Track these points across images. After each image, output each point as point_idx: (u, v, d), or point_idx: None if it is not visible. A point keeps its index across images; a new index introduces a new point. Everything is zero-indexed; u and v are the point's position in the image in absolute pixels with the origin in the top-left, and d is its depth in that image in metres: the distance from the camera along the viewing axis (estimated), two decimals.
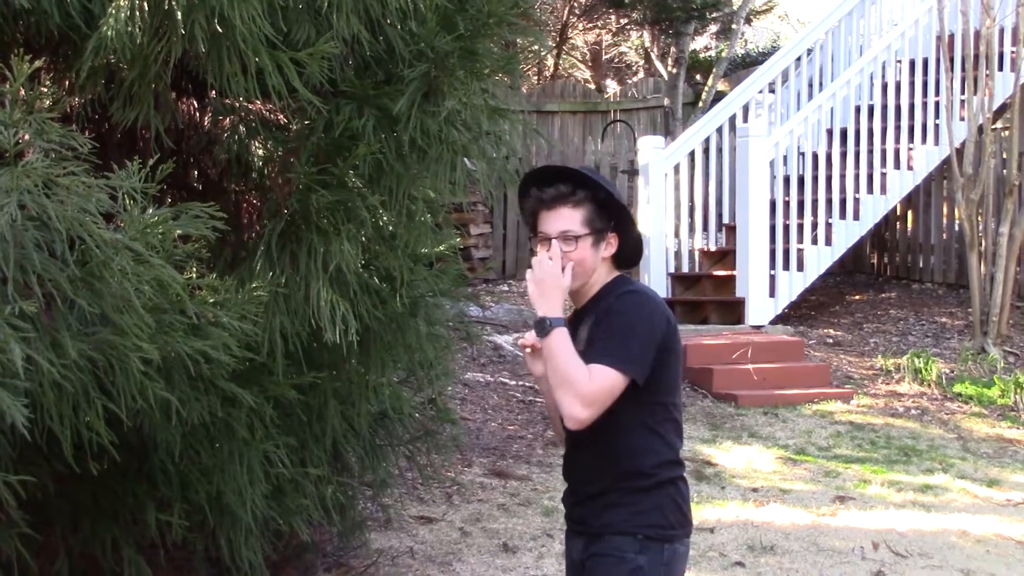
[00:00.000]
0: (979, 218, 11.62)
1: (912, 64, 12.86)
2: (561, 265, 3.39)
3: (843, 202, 12.22)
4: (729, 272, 11.84)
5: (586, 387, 3.26)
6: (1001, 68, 12.52)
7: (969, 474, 8.13)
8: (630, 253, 3.55)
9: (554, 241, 3.41)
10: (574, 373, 3.27)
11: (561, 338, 3.31)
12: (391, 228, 4.66)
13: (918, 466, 8.24)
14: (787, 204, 11.95)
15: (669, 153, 12.09)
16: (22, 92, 3.38)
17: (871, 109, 12.67)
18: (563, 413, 3.31)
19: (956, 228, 12.86)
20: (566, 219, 3.41)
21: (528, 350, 3.54)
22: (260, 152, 4.59)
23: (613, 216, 3.46)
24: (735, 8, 17.63)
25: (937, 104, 12.56)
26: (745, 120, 12.22)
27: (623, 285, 3.48)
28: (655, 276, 11.95)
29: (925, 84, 12.70)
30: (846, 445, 8.68)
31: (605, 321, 3.35)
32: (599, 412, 3.28)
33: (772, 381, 9.87)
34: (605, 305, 3.41)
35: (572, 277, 3.41)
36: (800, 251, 11.85)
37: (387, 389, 5.49)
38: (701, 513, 6.80)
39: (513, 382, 9.57)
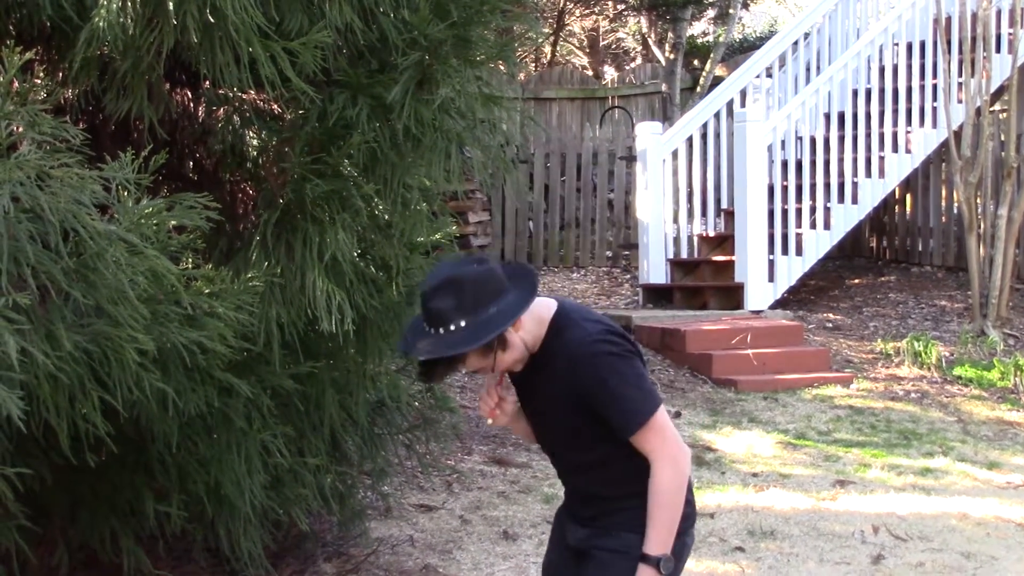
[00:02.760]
0: (978, 200, 11.61)
1: (909, 47, 12.84)
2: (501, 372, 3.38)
3: (841, 186, 12.21)
4: (728, 257, 11.83)
5: (665, 468, 3.29)
6: (999, 50, 12.49)
7: (969, 457, 8.13)
8: (526, 295, 3.35)
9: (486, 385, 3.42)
10: (665, 494, 3.30)
11: (662, 538, 3.30)
12: (386, 217, 4.66)
13: (918, 449, 8.24)
14: (785, 189, 11.94)
15: (667, 139, 12.08)
16: (15, 84, 3.37)
17: (869, 93, 12.65)
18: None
19: (955, 211, 12.85)
20: (470, 365, 3.30)
21: (490, 421, 3.52)
22: (254, 142, 4.59)
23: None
24: None
25: (935, 87, 12.55)
26: (743, 105, 12.20)
27: (568, 332, 3.35)
28: (654, 262, 11.96)
29: (923, 67, 12.69)
30: (846, 429, 8.68)
31: (596, 388, 3.28)
32: (680, 440, 3.33)
33: (772, 366, 9.87)
34: (560, 358, 3.33)
35: (516, 364, 3.36)
36: (799, 235, 11.85)
37: (385, 378, 5.49)
38: (701, 499, 6.80)
39: None
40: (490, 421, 3.52)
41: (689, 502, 3.46)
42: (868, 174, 12.35)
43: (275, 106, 4.58)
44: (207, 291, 3.82)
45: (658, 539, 3.30)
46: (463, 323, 3.18)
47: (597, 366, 3.29)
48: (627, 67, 20.06)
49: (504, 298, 3.24)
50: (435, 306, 3.21)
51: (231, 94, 4.45)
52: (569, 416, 3.37)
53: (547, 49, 20.43)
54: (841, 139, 12.33)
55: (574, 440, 3.43)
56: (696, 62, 18.20)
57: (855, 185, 12.26)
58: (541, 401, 3.47)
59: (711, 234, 12.57)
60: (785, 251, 11.72)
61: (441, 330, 3.19)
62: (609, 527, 3.44)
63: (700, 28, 22.08)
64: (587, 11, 20.76)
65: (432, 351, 3.22)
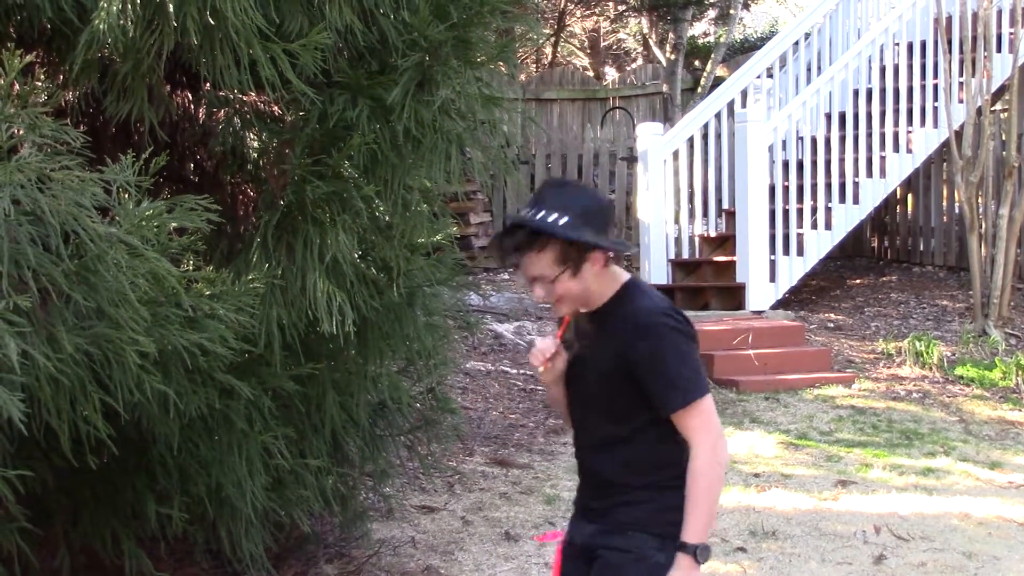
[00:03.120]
0: (979, 200, 11.60)
1: (910, 47, 12.83)
2: (553, 299, 3.40)
3: (842, 186, 12.21)
4: (729, 258, 11.83)
5: (705, 453, 3.31)
6: (999, 50, 12.48)
7: (971, 457, 8.12)
8: (620, 254, 3.51)
9: (536, 286, 3.40)
10: (705, 479, 3.32)
11: (700, 525, 3.33)
12: (387, 218, 4.66)
13: (920, 449, 8.24)
14: (786, 189, 11.93)
15: (668, 139, 12.07)
16: (16, 87, 3.38)
17: (870, 92, 12.65)
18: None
19: (956, 210, 12.84)
20: (536, 265, 3.36)
21: (542, 369, 3.54)
22: (255, 144, 4.60)
23: (585, 244, 3.35)
24: None
25: (936, 87, 12.54)
26: (744, 105, 12.19)
27: (640, 299, 3.42)
28: (655, 262, 11.95)
29: (923, 67, 12.68)
30: (848, 429, 8.68)
31: (650, 357, 3.32)
32: (721, 429, 3.37)
33: (773, 366, 9.86)
34: (626, 323, 3.38)
35: (567, 304, 3.41)
36: (800, 236, 11.84)
37: (386, 379, 5.49)
38: None
39: (514, 371, 9.57)
40: (541, 370, 3.52)
41: None
42: (869, 174, 12.35)
43: (275, 108, 4.58)
44: (208, 293, 3.83)
45: (697, 526, 3.32)
46: (563, 219, 3.31)
47: (660, 337, 3.33)
48: (628, 68, 20.06)
49: (603, 234, 3.36)
50: (549, 192, 3.38)
51: (231, 96, 4.46)
52: (613, 381, 3.38)
53: (548, 50, 20.44)
54: (842, 139, 12.33)
55: (609, 408, 3.43)
56: (697, 63, 18.21)
57: (856, 185, 12.26)
58: (590, 362, 3.47)
59: (712, 234, 12.56)
60: (786, 251, 11.71)
61: (543, 212, 3.32)
62: (619, 524, 3.42)
63: (701, 29, 22.09)
64: (588, 12, 20.77)
65: (522, 219, 3.37)
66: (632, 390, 3.36)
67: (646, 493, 3.38)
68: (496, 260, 3.44)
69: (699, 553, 3.31)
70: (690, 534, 3.31)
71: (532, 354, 3.51)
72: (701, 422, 3.32)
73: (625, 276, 3.48)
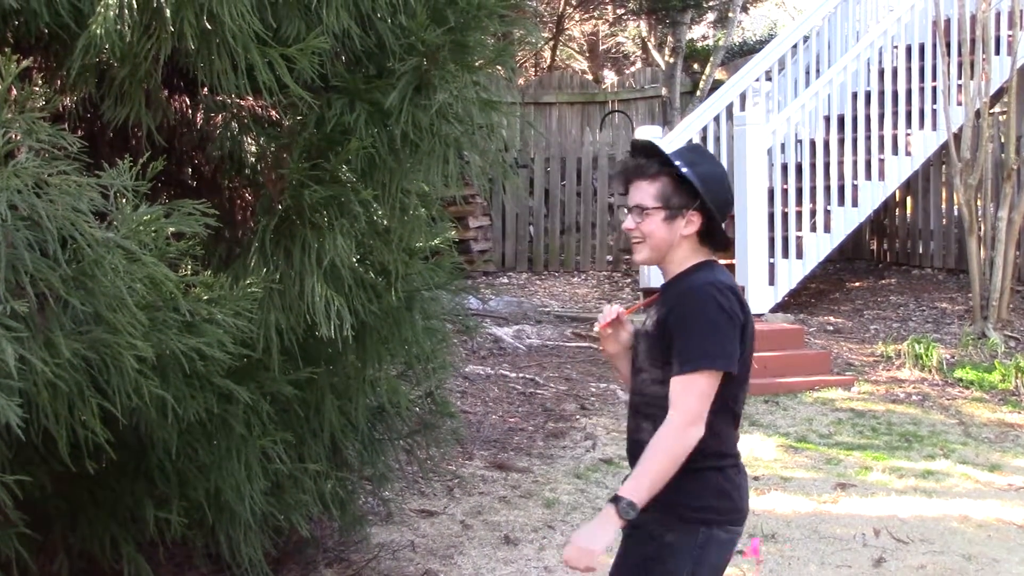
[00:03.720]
0: (978, 202, 11.61)
1: (909, 50, 12.85)
2: (636, 236, 3.48)
3: (841, 189, 12.22)
4: (728, 260, 11.82)
5: (675, 427, 3.29)
6: (998, 52, 12.49)
7: (970, 459, 8.13)
8: (720, 237, 3.53)
9: (630, 215, 3.46)
10: (665, 450, 3.29)
11: (636, 485, 3.28)
12: (385, 222, 4.66)
13: (919, 452, 8.24)
14: (785, 192, 11.95)
15: (667, 142, 12.06)
16: (13, 91, 3.38)
17: (868, 95, 12.66)
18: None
19: (955, 213, 12.85)
20: (642, 192, 3.45)
21: (608, 331, 3.60)
22: (253, 148, 4.59)
23: (697, 195, 3.43)
24: None
25: (934, 89, 12.55)
26: (743, 108, 12.20)
27: (703, 272, 3.47)
28: (655, 266, 11.93)
29: (922, 69, 12.70)
30: (847, 432, 8.68)
31: (679, 318, 3.36)
32: (703, 413, 3.32)
33: (773, 369, 9.86)
34: (677, 292, 3.43)
35: (645, 250, 3.48)
36: (799, 239, 11.85)
37: (385, 383, 5.49)
38: None
39: (513, 374, 9.57)
40: (595, 330, 3.60)
41: (729, 496, 3.46)
42: (868, 177, 12.36)
43: (273, 112, 4.58)
44: (206, 297, 3.82)
45: (637, 485, 3.27)
46: (686, 168, 3.43)
47: (697, 302, 3.37)
48: (627, 71, 20.06)
49: (714, 202, 3.45)
50: (691, 151, 3.52)
51: (229, 100, 4.46)
52: (656, 349, 3.42)
53: (546, 53, 20.44)
54: (841, 142, 12.34)
55: (654, 375, 3.45)
56: (696, 66, 18.20)
57: (855, 188, 12.27)
58: (643, 332, 3.53)
59: None
60: (785, 254, 11.72)
61: (674, 156, 3.45)
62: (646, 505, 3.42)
63: (700, 32, 22.09)
64: (586, 15, 20.77)
65: (653, 143, 3.49)
66: (669, 360, 3.38)
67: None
68: (617, 180, 3.49)
69: (624, 508, 3.24)
70: (627, 488, 3.27)
71: (597, 320, 3.60)
72: (689, 394, 3.30)
73: (703, 258, 3.52)
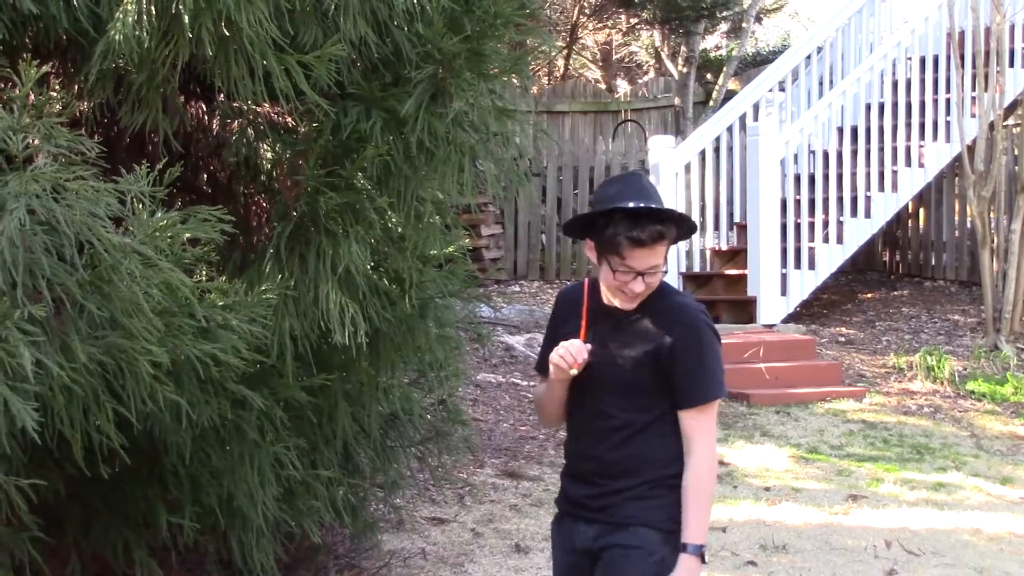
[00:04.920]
0: (991, 215, 11.59)
1: (923, 61, 12.84)
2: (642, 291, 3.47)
3: (854, 200, 12.20)
4: (740, 271, 11.83)
5: (704, 455, 3.45)
6: (1012, 64, 12.48)
7: (982, 472, 8.11)
8: None
9: (640, 278, 3.45)
10: (708, 480, 3.46)
11: (702, 527, 3.43)
12: (400, 230, 4.66)
13: (931, 464, 8.23)
14: (798, 202, 11.94)
15: (680, 152, 12.08)
16: (31, 97, 3.39)
17: (882, 107, 12.65)
18: None
19: (968, 225, 12.83)
20: (658, 255, 3.45)
21: (575, 372, 3.54)
22: (268, 155, 4.60)
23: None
24: (745, 7, 17.61)
25: (948, 101, 12.54)
26: (756, 119, 12.20)
27: (674, 295, 3.60)
28: (666, 276, 11.93)
29: (936, 81, 12.68)
30: (859, 443, 8.67)
31: (689, 351, 3.44)
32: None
33: (784, 380, 9.86)
34: (669, 315, 3.48)
35: (639, 297, 3.47)
36: (811, 249, 11.83)
37: (397, 390, 5.49)
38: (713, 512, 6.78)
39: (524, 383, 9.57)
40: (573, 372, 3.51)
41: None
42: (881, 188, 12.35)
43: (289, 119, 4.59)
44: (221, 304, 3.83)
45: (700, 526, 3.40)
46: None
47: (703, 335, 3.47)
48: (640, 80, 20.07)
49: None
50: (651, 187, 3.50)
51: (245, 107, 4.47)
52: (643, 371, 3.46)
53: (560, 62, 20.44)
54: (854, 153, 12.33)
55: (634, 397, 3.48)
56: (709, 76, 18.20)
57: (868, 199, 12.25)
58: (615, 352, 3.50)
59: (724, 248, 12.56)
60: (798, 265, 11.71)
61: (667, 208, 3.47)
62: (622, 520, 3.46)
63: (713, 42, 22.09)
64: (600, 25, 20.78)
65: (676, 213, 3.52)
66: (657, 382, 3.44)
67: (657, 489, 3.44)
68: (609, 240, 3.45)
69: (703, 553, 3.40)
70: (693, 535, 3.39)
71: (562, 358, 3.47)
72: (709, 424, 3.46)
73: None
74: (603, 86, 20.37)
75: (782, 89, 12.81)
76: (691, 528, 3.38)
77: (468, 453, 7.38)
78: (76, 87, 4.20)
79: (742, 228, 12.19)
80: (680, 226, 3.49)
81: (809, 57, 13.20)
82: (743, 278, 11.65)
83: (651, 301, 3.49)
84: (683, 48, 17.27)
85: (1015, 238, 11.34)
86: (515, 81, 5.31)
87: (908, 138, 12.51)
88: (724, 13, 17.78)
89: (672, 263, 11.90)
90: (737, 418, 9.14)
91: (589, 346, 3.51)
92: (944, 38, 12.59)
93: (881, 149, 12.42)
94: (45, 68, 3.45)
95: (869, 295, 13.39)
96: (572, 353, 3.47)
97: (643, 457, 3.46)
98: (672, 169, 11.84)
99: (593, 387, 3.54)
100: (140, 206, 3.50)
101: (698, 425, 3.43)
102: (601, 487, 3.52)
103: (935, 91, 12.65)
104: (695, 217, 12.29)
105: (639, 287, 3.43)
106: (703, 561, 3.39)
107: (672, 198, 11.84)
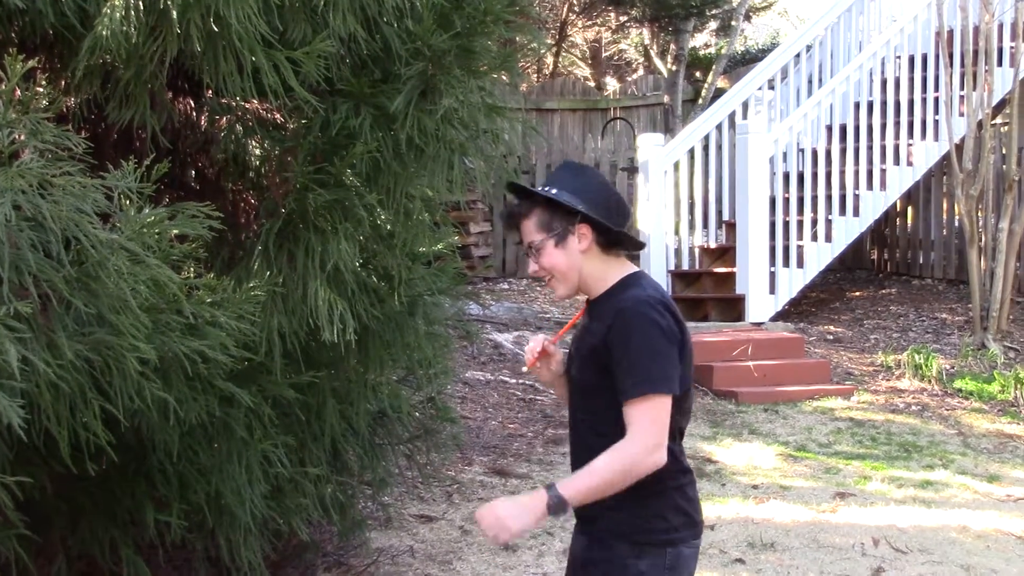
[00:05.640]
0: (979, 214, 11.61)
1: (911, 60, 12.85)
2: (544, 275, 3.47)
3: (843, 198, 12.22)
4: (729, 269, 11.83)
5: (634, 447, 3.23)
6: (1000, 63, 12.50)
7: (970, 470, 8.12)
8: (615, 237, 3.46)
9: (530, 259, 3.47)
10: (617, 464, 3.24)
11: (575, 486, 3.27)
12: (389, 227, 4.65)
13: (918, 462, 8.24)
14: (787, 201, 11.95)
15: (669, 150, 12.08)
16: (17, 92, 3.37)
17: (871, 105, 12.67)
18: (650, 473, 3.27)
19: (956, 224, 12.86)
20: (526, 231, 3.44)
21: (538, 365, 3.58)
22: (257, 151, 4.58)
23: (573, 212, 3.39)
24: (734, 5, 17.63)
25: (936, 100, 12.56)
26: (745, 117, 12.20)
27: (632, 288, 3.40)
28: (655, 273, 11.93)
29: (924, 80, 12.70)
30: (846, 441, 8.68)
31: (620, 342, 3.29)
32: (665, 439, 3.25)
33: (772, 378, 9.86)
34: (611, 309, 3.36)
35: (560, 285, 3.45)
36: (800, 248, 11.85)
37: (386, 388, 5.49)
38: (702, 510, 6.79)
39: (513, 380, 9.56)
40: (525, 368, 3.59)
41: (687, 513, 3.42)
42: (870, 186, 12.36)
43: (278, 115, 4.58)
44: (209, 300, 3.81)
45: (577, 485, 3.26)
46: (554, 191, 3.40)
47: (634, 323, 3.29)
48: (629, 78, 20.07)
49: (596, 209, 3.40)
50: (561, 171, 3.50)
51: (234, 103, 4.45)
52: (591, 371, 3.38)
53: (549, 60, 20.44)
54: (843, 151, 12.35)
55: (589, 401, 3.42)
56: (698, 74, 18.22)
57: (856, 197, 12.27)
58: (575, 353, 3.49)
59: (712, 246, 12.56)
60: (786, 263, 11.72)
61: (545, 186, 3.45)
62: (601, 535, 3.41)
63: (702, 40, 22.10)
64: (589, 22, 20.78)
65: (514, 182, 3.54)
66: (604, 382, 3.32)
67: (624, 501, 3.31)
68: (505, 227, 3.57)
69: (555, 504, 3.23)
70: (565, 485, 3.26)
71: (526, 352, 3.56)
72: (646, 417, 3.23)
73: (627, 271, 3.47)
74: (592, 84, 20.37)
75: (771, 87, 12.82)
76: (570, 481, 3.26)
77: (456, 451, 7.37)
78: (63, 82, 4.18)
79: (731, 226, 12.19)
80: (529, 196, 3.45)
81: (798, 55, 13.21)
82: (732, 276, 11.66)
83: (608, 296, 3.42)
84: (672, 46, 17.30)
85: (1003, 236, 11.36)
86: (505, 78, 5.30)
87: (897, 137, 12.52)
88: (713, 11, 17.80)
89: (661, 261, 11.92)
90: (725, 416, 9.14)
91: (545, 338, 3.55)
92: (933, 37, 12.61)
93: (870, 148, 12.44)
94: (31, 63, 3.43)
95: (857, 293, 13.41)
96: (529, 349, 3.55)
97: None
98: (661, 167, 11.84)
99: (571, 390, 3.55)
100: (127, 202, 3.48)
101: (632, 419, 3.23)
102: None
103: (924, 90, 12.67)
104: (684, 215, 12.31)
105: (531, 266, 3.48)
106: (551, 512, 3.23)
107: (661, 196, 11.85)
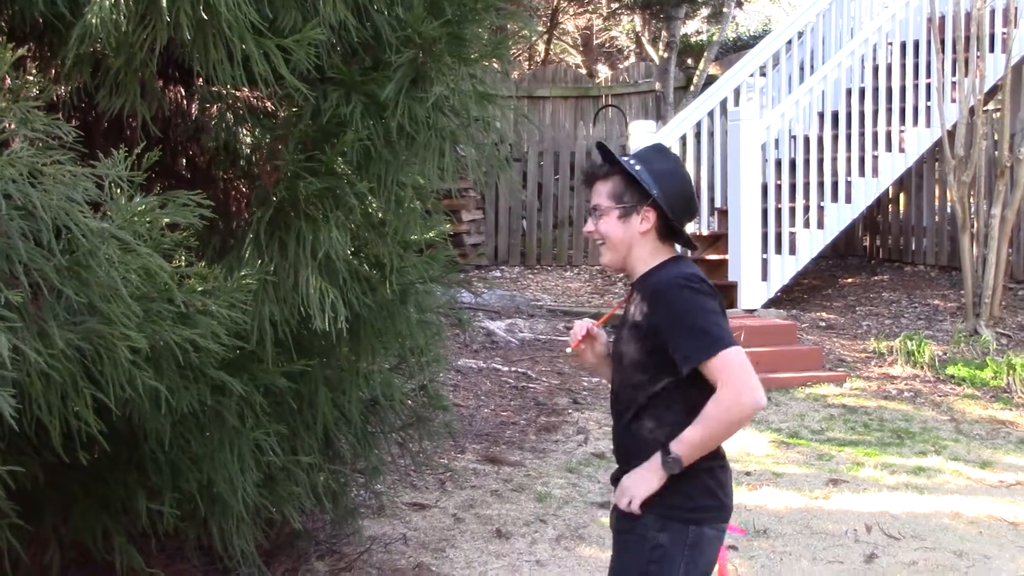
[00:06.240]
0: (971, 200, 11.62)
1: (903, 46, 12.85)
2: (596, 238, 3.53)
3: (835, 185, 12.23)
4: (721, 256, 11.84)
5: (727, 398, 3.28)
6: (992, 49, 12.51)
7: (962, 456, 8.13)
8: (682, 235, 3.59)
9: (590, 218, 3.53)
10: (716, 417, 3.31)
11: (685, 443, 3.34)
12: (380, 215, 4.64)
13: (911, 448, 8.25)
14: (779, 187, 11.95)
15: (660, 137, 12.08)
16: (7, 80, 3.36)
17: (862, 92, 12.67)
18: (752, 416, 3.41)
19: (948, 210, 12.87)
20: (597, 194, 3.51)
21: (582, 347, 3.66)
22: (248, 140, 4.57)
23: (644, 192, 3.46)
24: None
25: (928, 86, 12.56)
26: (736, 104, 12.20)
27: (669, 267, 3.47)
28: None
29: (916, 66, 12.70)
30: (839, 428, 8.69)
31: (667, 317, 3.36)
32: (757, 383, 3.31)
33: (765, 365, 9.85)
34: (648, 289, 3.43)
35: (607, 252, 3.52)
36: (792, 234, 11.86)
37: (378, 376, 5.48)
38: None
39: (506, 368, 9.56)
40: (569, 350, 3.68)
41: (715, 495, 3.46)
42: (862, 173, 12.37)
43: (268, 103, 4.56)
44: (200, 289, 3.81)
45: (688, 440, 3.32)
46: (639, 167, 3.47)
47: (673, 295, 3.37)
48: (621, 66, 20.06)
49: (668, 198, 3.47)
50: (649, 151, 3.57)
51: (224, 91, 4.44)
52: (634, 348, 3.44)
53: (541, 47, 20.43)
54: (835, 138, 12.35)
55: (631, 376, 3.46)
56: (690, 61, 18.20)
57: (849, 184, 12.27)
58: (620, 334, 3.54)
59: (705, 233, 12.57)
60: (779, 250, 11.73)
61: (629, 159, 3.51)
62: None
63: (694, 27, 22.10)
64: (581, 9, 20.77)
65: (603, 145, 3.59)
66: (651, 359, 3.40)
67: None
68: (584, 186, 3.62)
69: (669, 461, 3.33)
70: (677, 443, 3.33)
71: (571, 336, 3.67)
72: (732, 368, 3.28)
73: (669, 254, 3.54)
74: (584, 71, 20.35)
75: (763, 74, 12.83)
76: (681, 437, 3.33)
77: (449, 439, 7.38)
78: (53, 71, 4.17)
79: (723, 213, 12.20)
80: (620, 171, 3.49)
81: (790, 42, 13.22)
82: (724, 263, 11.67)
83: (647, 277, 3.49)
84: (664, 33, 17.28)
85: (995, 223, 11.37)
86: (496, 66, 5.29)
87: (889, 123, 12.53)
88: None
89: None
90: None
91: (591, 323, 3.64)
92: (925, 23, 12.61)
93: (862, 134, 12.44)
94: (21, 51, 3.42)
95: (850, 280, 13.42)
96: (573, 332, 3.65)
97: (640, 439, 3.43)
98: None
99: (615, 368, 3.60)
100: (118, 191, 3.47)
101: (719, 374, 3.28)
102: (621, 470, 3.55)
103: (916, 76, 12.67)
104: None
105: (588, 226, 3.54)
106: (663, 467, 3.33)
107: None
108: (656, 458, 3.34)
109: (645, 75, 17.21)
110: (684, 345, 3.32)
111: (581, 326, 3.65)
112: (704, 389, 3.33)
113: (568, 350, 3.67)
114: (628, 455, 3.50)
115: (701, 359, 3.29)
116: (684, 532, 3.39)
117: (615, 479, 3.58)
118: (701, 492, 3.43)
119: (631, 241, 3.48)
